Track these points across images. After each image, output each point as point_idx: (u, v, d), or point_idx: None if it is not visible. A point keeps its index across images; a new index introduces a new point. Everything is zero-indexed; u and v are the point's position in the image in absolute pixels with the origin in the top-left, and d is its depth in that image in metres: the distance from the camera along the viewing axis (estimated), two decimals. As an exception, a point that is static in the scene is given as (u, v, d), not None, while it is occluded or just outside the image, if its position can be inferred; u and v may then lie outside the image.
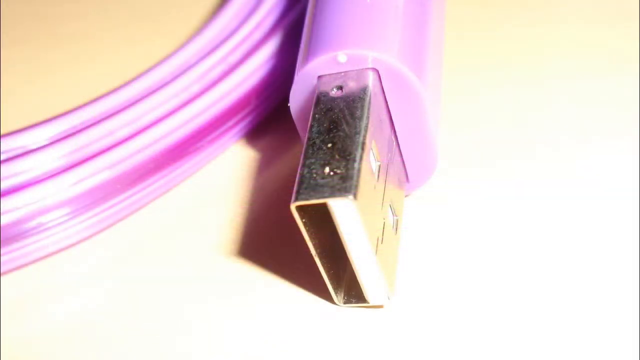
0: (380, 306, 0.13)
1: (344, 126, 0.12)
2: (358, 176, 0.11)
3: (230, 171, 0.17)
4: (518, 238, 0.14)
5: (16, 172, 0.15)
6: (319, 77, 0.13)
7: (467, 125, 0.17)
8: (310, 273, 0.14)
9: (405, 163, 0.14)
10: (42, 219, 0.15)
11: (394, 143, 0.14)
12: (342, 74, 0.13)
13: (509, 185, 0.15)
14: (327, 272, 0.13)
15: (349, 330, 0.13)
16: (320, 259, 0.13)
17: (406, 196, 0.15)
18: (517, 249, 0.14)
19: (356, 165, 0.12)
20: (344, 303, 0.13)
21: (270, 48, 0.18)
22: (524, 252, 0.14)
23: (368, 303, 0.13)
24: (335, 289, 0.13)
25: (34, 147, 0.16)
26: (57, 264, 0.16)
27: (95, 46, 0.23)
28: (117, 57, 0.22)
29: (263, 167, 0.17)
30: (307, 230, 0.12)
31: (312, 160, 0.12)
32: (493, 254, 0.14)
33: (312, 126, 0.13)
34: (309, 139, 0.12)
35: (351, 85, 0.13)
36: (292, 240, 0.15)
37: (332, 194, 0.11)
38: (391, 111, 0.14)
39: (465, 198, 0.15)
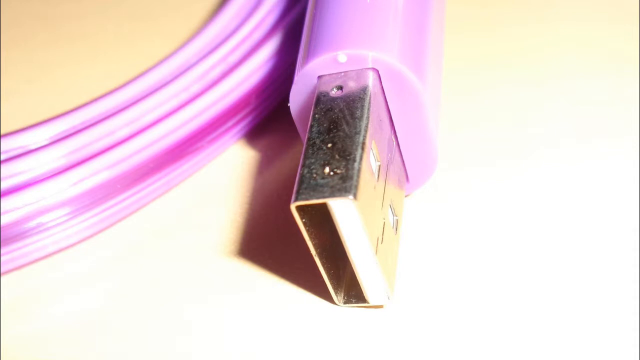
0: (380, 306, 0.13)
1: (344, 126, 0.12)
2: (358, 176, 0.11)
3: (230, 171, 0.17)
4: (518, 238, 0.14)
5: (16, 172, 0.15)
6: (319, 77, 0.13)
7: (467, 125, 0.17)
8: (310, 273, 0.14)
9: (405, 163, 0.14)
10: (42, 219, 0.15)
11: (394, 143, 0.14)
12: (342, 74, 0.13)
13: (509, 185, 0.15)
14: (327, 272, 0.13)
15: (349, 330, 0.13)
16: (320, 259, 0.13)
17: (406, 196, 0.15)
18: (517, 249, 0.14)
19: (356, 165, 0.12)
20: (344, 303, 0.13)
21: (270, 48, 0.18)
22: (524, 252, 0.14)
23: (368, 303, 0.13)
24: (335, 289, 0.13)
25: (34, 147, 0.16)
26: (57, 264, 0.16)
27: (95, 46, 0.23)
28: (117, 57, 0.22)
29: (263, 167, 0.17)
30: (307, 230, 0.12)
31: (312, 160, 0.12)
32: (493, 254, 0.14)
33: (312, 126, 0.13)
34: (309, 139, 0.12)
35: (351, 85, 0.13)
36: (292, 240, 0.15)
37: (332, 194, 0.11)
38: (391, 111, 0.14)
39: (466, 198, 0.15)
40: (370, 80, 0.13)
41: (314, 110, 0.13)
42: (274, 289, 0.14)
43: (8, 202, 0.15)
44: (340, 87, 0.13)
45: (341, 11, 0.14)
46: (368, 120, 0.12)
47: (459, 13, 0.20)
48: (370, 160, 0.12)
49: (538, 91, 0.18)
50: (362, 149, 0.12)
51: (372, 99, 0.13)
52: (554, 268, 0.14)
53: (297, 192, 0.12)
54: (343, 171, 0.12)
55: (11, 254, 0.15)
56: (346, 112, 0.13)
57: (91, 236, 0.16)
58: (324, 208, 0.12)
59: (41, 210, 0.15)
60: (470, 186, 0.16)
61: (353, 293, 0.13)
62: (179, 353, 0.13)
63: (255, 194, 0.16)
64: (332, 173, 0.12)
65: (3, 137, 0.16)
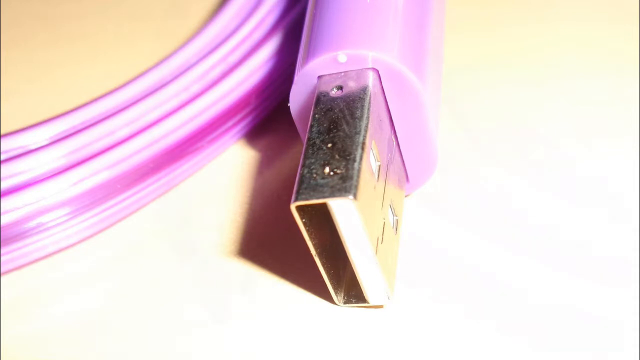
0: (380, 306, 0.13)
1: (344, 126, 0.12)
2: (358, 176, 0.11)
3: (230, 171, 0.17)
4: (518, 238, 0.14)
5: (16, 172, 0.15)
6: (319, 77, 0.13)
7: (467, 124, 0.17)
8: (310, 273, 0.14)
9: (405, 163, 0.14)
10: (42, 219, 0.15)
11: (394, 143, 0.14)
12: (342, 74, 0.13)
13: (509, 185, 0.15)
14: (327, 272, 0.13)
15: (349, 330, 0.13)
16: (320, 259, 0.13)
17: (406, 196, 0.15)
18: (517, 249, 0.14)
19: (356, 165, 0.12)
20: (344, 303, 0.14)
21: (270, 48, 0.18)
22: (524, 252, 0.14)
23: (368, 303, 0.13)
24: (335, 289, 0.13)
25: (34, 147, 0.16)
26: (57, 264, 0.16)
27: (95, 46, 0.23)
28: (117, 57, 0.22)
29: (263, 167, 0.17)
30: (307, 230, 0.12)
31: (312, 160, 0.12)
32: (493, 254, 0.14)
33: (312, 126, 0.13)
34: (309, 139, 0.12)
35: (351, 85, 0.13)
36: (292, 240, 0.15)
37: (332, 194, 0.11)
38: (391, 111, 0.14)
39: (465, 198, 0.15)
40: (370, 80, 0.13)
41: (314, 110, 0.13)
42: (274, 289, 0.14)
43: (8, 202, 0.15)
44: (340, 87, 0.13)
45: (341, 11, 0.14)
46: (368, 120, 0.12)
47: (459, 13, 0.20)
48: (370, 160, 0.12)
49: (538, 91, 0.18)
50: (362, 149, 0.12)
51: (372, 99, 0.13)
52: (554, 268, 0.14)
53: (297, 192, 0.12)
54: (343, 171, 0.12)
55: (11, 254, 0.15)
56: (346, 112, 0.13)
57: (91, 236, 0.16)
58: (324, 208, 0.12)
59: (41, 210, 0.15)
60: (471, 186, 0.16)
61: (353, 293, 0.13)
62: (179, 353, 0.13)
63: (255, 194, 0.16)
64: (332, 173, 0.12)
65: (3, 137, 0.16)
